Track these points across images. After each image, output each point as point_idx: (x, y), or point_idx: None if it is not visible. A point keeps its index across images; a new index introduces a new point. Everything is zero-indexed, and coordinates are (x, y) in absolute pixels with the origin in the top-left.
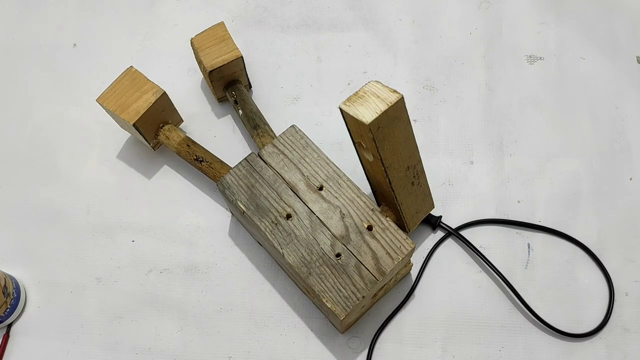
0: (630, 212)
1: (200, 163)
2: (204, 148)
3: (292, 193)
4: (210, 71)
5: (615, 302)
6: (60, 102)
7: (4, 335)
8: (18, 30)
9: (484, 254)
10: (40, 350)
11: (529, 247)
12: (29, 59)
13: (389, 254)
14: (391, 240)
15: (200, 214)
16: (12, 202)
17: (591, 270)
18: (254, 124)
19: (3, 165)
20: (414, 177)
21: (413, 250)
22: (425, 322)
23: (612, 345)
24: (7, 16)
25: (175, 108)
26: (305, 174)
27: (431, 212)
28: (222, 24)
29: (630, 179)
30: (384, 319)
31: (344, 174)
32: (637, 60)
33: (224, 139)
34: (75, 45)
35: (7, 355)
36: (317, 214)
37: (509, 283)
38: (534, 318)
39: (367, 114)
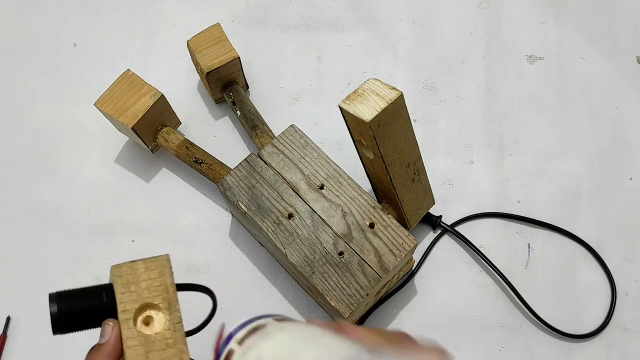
0: (630, 212)
1: (199, 165)
2: (203, 150)
3: (293, 192)
4: (208, 73)
5: (616, 302)
6: (60, 102)
7: (2, 335)
8: (18, 30)
9: (484, 253)
10: (39, 350)
11: (529, 246)
12: (28, 58)
13: (392, 251)
14: (393, 237)
15: (200, 214)
16: (12, 202)
17: (592, 270)
18: (252, 125)
19: (3, 165)
20: (415, 173)
21: (415, 246)
22: (425, 322)
23: (612, 345)
24: (7, 16)
25: (173, 110)
26: (306, 173)
27: (431, 212)
28: (218, 25)
29: (630, 179)
30: (372, 312)
31: (345, 172)
32: (637, 60)
33: (223, 141)
34: (75, 45)
35: (6, 355)
36: (318, 213)
37: (509, 283)
38: (534, 318)
39: (367, 111)
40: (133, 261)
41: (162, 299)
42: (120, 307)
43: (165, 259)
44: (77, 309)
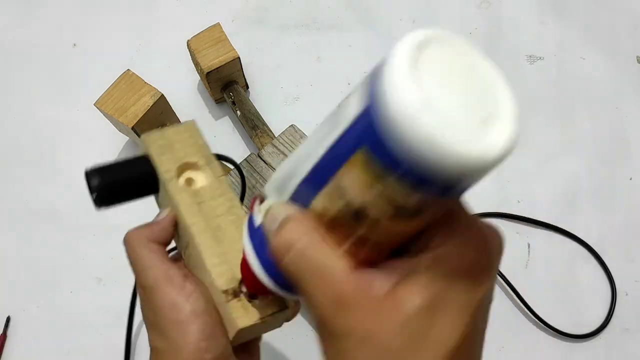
0: (630, 213)
1: None
2: None
3: None
4: (208, 73)
5: (616, 302)
6: (60, 102)
7: (1, 335)
8: (18, 30)
9: None
10: (39, 350)
11: (528, 246)
12: (28, 58)
13: None
14: None
15: None
16: (12, 202)
17: (592, 270)
18: (252, 125)
19: (2, 165)
20: None
21: None
22: None
23: (612, 345)
24: (7, 16)
25: (173, 110)
26: None
27: None
28: (218, 25)
29: (631, 179)
30: None
31: None
32: (638, 60)
33: (223, 141)
34: (75, 45)
35: (6, 356)
36: None
37: (509, 283)
38: (534, 318)
39: None
40: (161, 128)
41: (199, 156)
42: (161, 169)
43: (192, 123)
44: (117, 179)
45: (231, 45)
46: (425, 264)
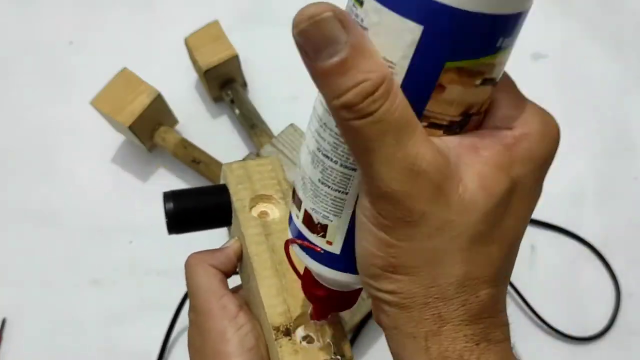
0: (635, 213)
1: (197, 164)
2: (200, 149)
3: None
4: (206, 71)
5: (621, 304)
6: (56, 101)
7: None
8: (14, 28)
9: None
10: (35, 352)
11: (532, 248)
12: (24, 56)
13: None
14: None
15: None
16: (8, 202)
17: (596, 271)
18: (251, 123)
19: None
20: None
21: None
22: None
23: (616, 347)
24: (3, 14)
25: (170, 109)
26: None
27: None
28: (216, 23)
29: (636, 179)
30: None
31: None
32: None
33: (221, 140)
34: (71, 43)
35: (1, 358)
36: None
37: (512, 284)
38: (537, 320)
39: None
40: (244, 160)
41: (275, 190)
42: (234, 197)
43: (276, 158)
44: (192, 207)
45: (229, 42)
46: (507, 142)
